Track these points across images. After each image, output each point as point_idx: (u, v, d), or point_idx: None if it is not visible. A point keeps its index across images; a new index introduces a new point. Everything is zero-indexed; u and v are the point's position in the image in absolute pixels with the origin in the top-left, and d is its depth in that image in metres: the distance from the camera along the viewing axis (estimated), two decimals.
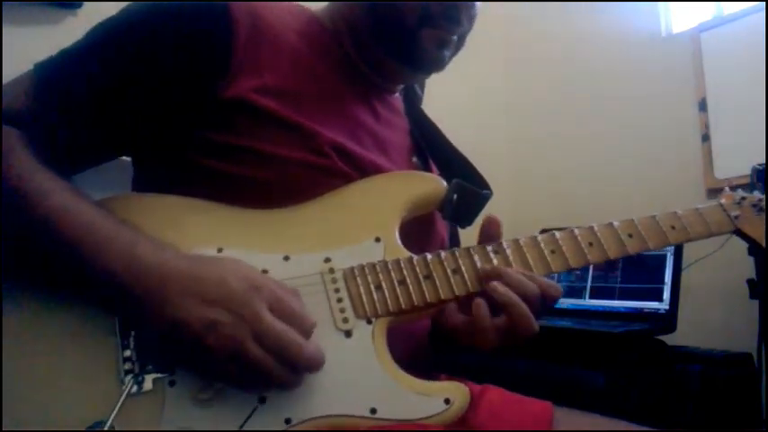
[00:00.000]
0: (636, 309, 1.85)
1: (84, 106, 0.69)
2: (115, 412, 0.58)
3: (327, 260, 0.68)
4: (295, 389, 0.60)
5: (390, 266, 0.69)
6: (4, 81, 0.70)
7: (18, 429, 0.57)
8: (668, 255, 1.82)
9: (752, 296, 1.73)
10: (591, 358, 1.65)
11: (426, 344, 0.81)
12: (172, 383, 0.60)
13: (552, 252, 0.73)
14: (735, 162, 2.10)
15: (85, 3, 1.75)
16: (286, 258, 0.68)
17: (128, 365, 0.60)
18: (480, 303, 0.68)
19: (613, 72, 2.56)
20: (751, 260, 1.73)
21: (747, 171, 1.60)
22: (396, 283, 0.68)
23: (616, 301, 1.91)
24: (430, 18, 0.77)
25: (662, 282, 1.82)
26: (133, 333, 0.61)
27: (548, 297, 0.69)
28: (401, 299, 0.67)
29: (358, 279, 0.67)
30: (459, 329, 0.71)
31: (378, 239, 0.70)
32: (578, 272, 2.03)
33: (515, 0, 2.91)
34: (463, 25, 0.81)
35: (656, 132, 2.39)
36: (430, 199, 0.76)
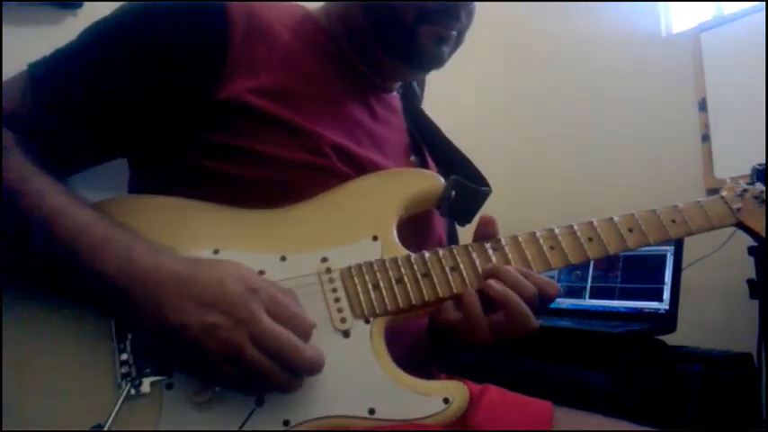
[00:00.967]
0: (636, 309, 1.85)
1: (79, 106, 0.68)
2: (113, 416, 0.57)
3: (324, 260, 0.68)
4: (294, 392, 0.59)
5: (388, 265, 0.68)
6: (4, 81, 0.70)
7: (18, 430, 0.57)
8: (668, 254, 1.82)
9: (752, 296, 1.73)
10: (591, 358, 1.64)
11: (425, 341, 0.81)
12: (169, 386, 0.60)
13: (551, 248, 0.73)
14: (735, 162, 2.10)
15: (85, 3, 1.75)
16: (283, 259, 0.67)
17: (125, 369, 0.60)
18: (472, 301, 0.68)
19: (613, 72, 2.56)
20: (751, 260, 1.73)
21: (747, 171, 1.60)
22: (393, 282, 0.68)
23: (616, 301, 1.91)
24: (427, 15, 0.76)
25: (662, 282, 1.81)
26: (130, 336, 0.61)
27: (545, 295, 0.69)
28: (399, 298, 0.67)
29: (355, 278, 0.67)
30: (456, 327, 0.71)
31: (375, 238, 0.70)
32: (578, 272, 2.03)
33: (515, 0, 2.91)
34: (462, 21, 0.80)
35: (656, 132, 2.39)
36: (427, 196, 0.76)
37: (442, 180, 0.76)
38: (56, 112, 0.68)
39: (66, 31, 0.79)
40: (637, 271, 1.90)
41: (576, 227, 0.74)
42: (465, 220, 0.82)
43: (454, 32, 0.80)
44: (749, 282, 1.73)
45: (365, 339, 0.65)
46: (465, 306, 0.68)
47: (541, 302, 0.69)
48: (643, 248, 0.77)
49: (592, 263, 1.98)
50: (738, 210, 0.81)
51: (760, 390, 1.68)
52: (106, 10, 0.72)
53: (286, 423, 0.60)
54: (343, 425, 0.62)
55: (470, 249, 0.71)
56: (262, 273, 0.65)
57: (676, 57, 2.35)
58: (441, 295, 0.69)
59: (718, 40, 2.26)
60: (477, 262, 0.70)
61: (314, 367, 0.59)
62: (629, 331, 1.67)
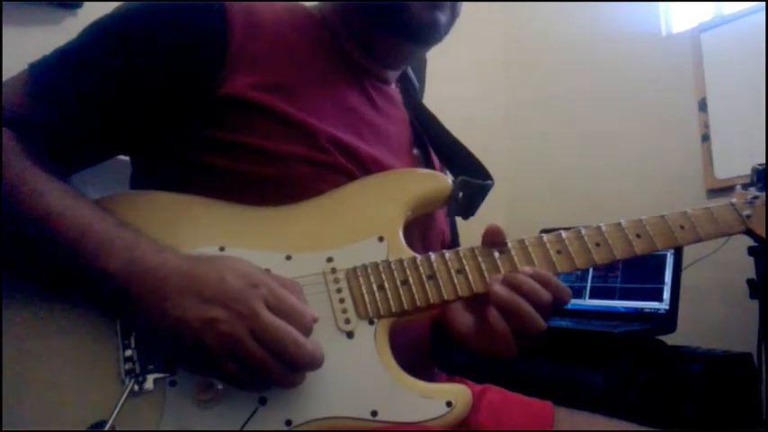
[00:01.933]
0: (636, 309, 1.85)
1: (79, 103, 0.68)
2: (116, 412, 0.57)
3: (330, 260, 0.68)
4: (295, 387, 0.59)
5: (393, 266, 0.68)
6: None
7: (18, 430, 0.57)
8: (668, 255, 1.82)
9: (752, 296, 1.73)
10: (591, 358, 1.65)
11: (426, 341, 0.81)
12: (173, 383, 0.60)
13: (558, 252, 0.72)
14: (735, 162, 2.10)
15: (85, 3, 1.75)
16: (288, 258, 0.67)
17: (128, 365, 0.60)
18: (494, 313, 0.67)
19: (613, 72, 2.56)
20: (751, 260, 1.73)
21: (747, 171, 1.59)
22: (398, 284, 0.67)
23: (616, 301, 1.91)
24: None
25: (662, 282, 1.82)
26: (134, 333, 0.61)
27: (559, 301, 0.68)
28: (404, 299, 0.67)
29: (360, 279, 0.67)
30: (471, 335, 0.71)
31: (381, 239, 0.70)
32: (578, 272, 2.03)
33: (516, 0, 2.91)
34: None
35: (656, 132, 2.39)
36: (435, 197, 0.76)
37: (450, 181, 0.76)
38: (56, 109, 0.68)
39: (66, 31, 0.79)
40: (637, 271, 1.90)
41: (583, 231, 0.74)
42: (469, 214, 0.81)
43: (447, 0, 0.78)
44: (749, 282, 1.73)
45: (369, 340, 0.65)
46: (490, 322, 0.67)
47: (555, 306, 0.68)
48: (635, 257, 0.76)
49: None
50: (748, 217, 0.80)
51: (760, 390, 1.68)
52: (106, 10, 0.72)
53: (288, 423, 0.60)
54: (346, 426, 0.61)
55: (476, 252, 0.71)
56: (267, 271, 0.64)
57: (676, 57, 2.36)
58: (445, 297, 0.68)
59: (719, 40, 2.26)
60: (483, 265, 0.70)
61: (313, 362, 0.58)
62: (629, 331, 1.67)
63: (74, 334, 0.61)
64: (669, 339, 1.73)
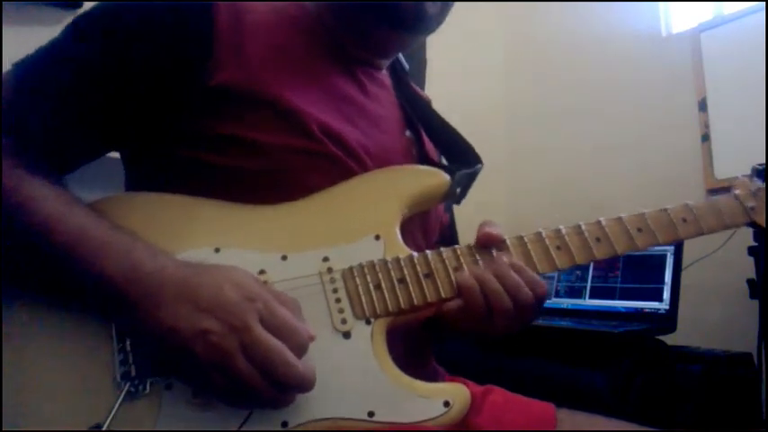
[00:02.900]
0: (636, 309, 1.85)
1: (65, 99, 0.67)
2: (112, 416, 0.57)
3: (326, 259, 0.67)
4: (284, 407, 0.58)
5: (390, 265, 0.67)
6: None
7: (18, 430, 0.56)
8: (668, 255, 1.82)
9: (752, 296, 1.73)
10: (591, 358, 1.64)
11: (426, 338, 0.80)
12: (169, 386, 0.59)
13: (558, 248, 0.71)
14: (735, 162, 2.10)
15: (85, 3, 1.75)
16: (284, 258, 0.66)
17: (124, 369, 0.59)
18: (470, 284, 0.68)
19: (613, 72, 2.56)
20: (751, 260, 1.73)
21: (747, 171, 1.60)
22: (395, 283, 0.67)
23: (616, 301, 1.91)
24: None
25: (662, 282, 1.81)
26: (130, 336, 0.60)
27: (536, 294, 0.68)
28: (401, 298, 0.66)
29: (357, 279, 0.66)
30: (454, 313, 0.70)
31: (377, 237, 0.69)
32: (578, 272, 2.03)
33: (516, 0, 2.91)
34: None
35: (656, 132, 2.39)
36: (433, 194, 0.75)
37: (448, 177, 0.75)
38: (42, 105, 0.67)
39: None
40: (637, 271, 1.89)
41: (583, 226, 0.73)
42: (460, 199, 0.80)
43: None
44: (749, 282, 1.73)
45: (366, 340, 0.64)
46: (463, 289, 0.68)
47: (538, 302, 0.68)
48: (637, 251, 0.75)
49: (592, 262, 1.97)
50: (752, 209, 0.78)
51: (760, 390, 1.68)
52: None
53: (284, 424, 0.60)
54: (342, 427, 0.61)
55: (474, 250, 0.70)
56: (262, 272, 0.65)
57: (676, 57, 2.35)
58: (443, 296, 0.68)
59: (718, 40, 2.26)
60: (481, 263, 0.69)
61: (302, 385, 0.57)
62: (629, 331, 1.67)
63: (69, 338, 0.60)
64: (669, 339, 1.73)
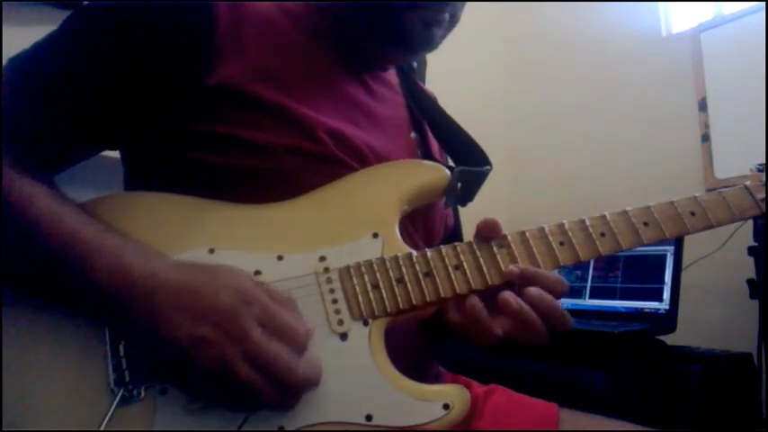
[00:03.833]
0: (636, 309, 1.84)
1: (60, 97, 0.66)
2: (106, 421, 0.56)
3: (322, 259, 0.65)
4: (292, 408, 0.57)
5: (388, 264, 0.66)
6: None
7: (18, 430, 0.56)
8: (668, 254, 1.82)
9: (752, 296, 1.73)
10: (591, 358, 1.64)
11: (423, 340, 0.80)
12: (163, 392, 0.58)
13: (561, 244, 0.69)
14: (735, 162, 2.10)
15: (85, 3, 1.75)
16: (279, 258, 0.65)
17: (118, 374, 0.58)
18: (475, 304, 0.65)
19: (613, 72, 2.55)
20: (751, 260, 1.73)
21: (747, 171, 1.60)
22: (394, 282, 0.65)
23: (616, 301, 1.91)
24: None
25: (662, 282, 1.81)
26: (123, 342, 0.59)
27: (556, 294, 0.67)
28: (399, 298, 0.65)
29: (354, 279, 0.64)
30: (457, 324, 0.69)
31: (376, 235, 0.67)
32: (578, 272, 2.03)
33: (516, 0, 2.91)
34: (454, 3, 0.76)
35: (657, 132, 2.39)
36: (432, 189, 0.73)
37: (448, 172, 0.73)
38: (37, 102, 0.66)
39: None
40: (637, 271, 1.89)
41: (587, 221, 0.70)
42: (467, 200, 0.79)
43: (446, 15, 0.76)
44: (749, 282, 1.73)
45: (363, 342, 0.63)
46: (468, 312, 0.65)
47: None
48: (643, 248, 0.74)
49: (592, 262, 1.97)
50: (763, 200, 0.76)
51: (760, 390, 1.68)
52: None
53: (281, 429, 0.58)
54: (340, 431, 0.60)
55: (475, 247, 0.68)
56: (258, 273, 0.63)
57: (676, 57, 2.35)
58: (443, 295, 0.66)
59: (718, 40, 2.26)
60: (482, 261, 0.68)
61: (309, 384, 0.57)
62: (629, 331, 1.67)
63: (62, 343, 0.59)
64: (669, 339, 1.73)
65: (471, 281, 0.67)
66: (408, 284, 0.65)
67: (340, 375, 0.61)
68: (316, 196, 0.69)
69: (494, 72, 2.98)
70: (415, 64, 0.91)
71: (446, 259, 0.67)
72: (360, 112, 0.77)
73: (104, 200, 0.67)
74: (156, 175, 0.72)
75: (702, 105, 2.26)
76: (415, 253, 0.67)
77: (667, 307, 1.78)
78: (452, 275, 0.67)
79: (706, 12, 2.41)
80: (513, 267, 0.67)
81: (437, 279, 0.66)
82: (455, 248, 0.68)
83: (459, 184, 0.74)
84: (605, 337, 1.67)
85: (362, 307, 0.64)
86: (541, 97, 2.85)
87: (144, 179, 0.75)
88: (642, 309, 1.83)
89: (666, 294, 1.79)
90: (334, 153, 0.70)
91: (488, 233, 0.69)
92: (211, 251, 0.64)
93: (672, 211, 0.72)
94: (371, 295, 0.64)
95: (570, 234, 0.70)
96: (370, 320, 0.64)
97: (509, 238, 0.69)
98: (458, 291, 0.66)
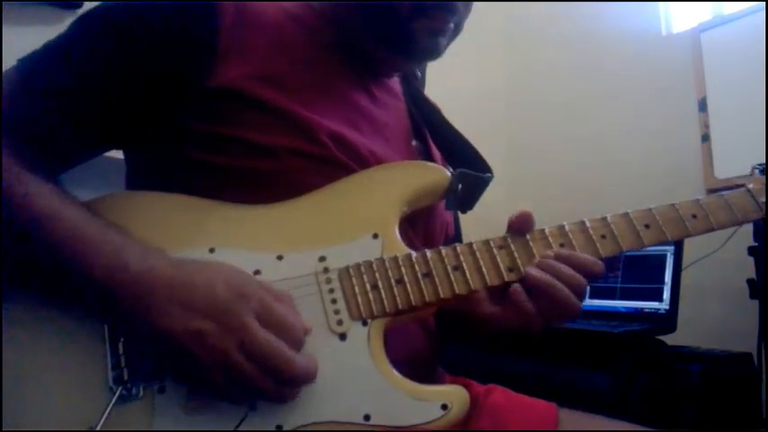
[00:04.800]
0: (636, 309, 1.85)
1: (69, 98, 0.67)
2: (104, 419, 0.56)
3: (322, 259, 0.66)
4: (290, 401, 0.58)
5: (387, 264, 0.66)
6: None
7: (18, 430, 0.56)
8: (668, 255, 1.82)
9: (752, 296, 1.73)
10: (591, 358, 1.64)
11: (427, 339, 0.80)
12: (162, 390, 0.59)
13: (561, 246, 0.70)
14: (735, 162, 2.10)
15: (85, 3, 1.75)
16: (279, 258, 0.65)
17: (117, 372, 0.59)
18: (518, 290, 0.67)
19: (613, 72, 2.55)
20: (751, 260, 1.72)
21: (747, 171, 1.60)
22: (393, 283, 0.65)
23: (616, 301, 1.91)
24: (423, 9, 0.74)
25: (662, 282, 1.81)
26: (122, 340, 0.60)
27: (589, 274, 0.68)
28: (398, 299, 0.65)
29: (353, 279, 0.65)
30: (497, 316, 0.70)
31: (375, 236, 0.67)
32: None
33: (516, 0, 2.91)
34: (459, 12, 0.77)
35: (656, 132, 2.39)
36: (433, 190, 0.73)
37: (448, 174, 0.74)
38: (44, 101, 0.67)
39: None
40: (637, 271, 1.89)
41: (588, 223, 0.71)
42: (468, 208, 0.79)
43: (451, 24, 0.77)
44: (749, 282, 1.73)
45: (362, 342, 0.63)
46: (513, 299, 0.67)
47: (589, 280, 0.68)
48: (643, 248, 0.75)
49: None
50: (764, 203, 0.75)
51: (760, 390, 1.68)
52: None
53: (279, 428, 0.59)
54: (338, 431, 0.60)
55: (474, 248, 0.69)
56: (257, 272, 0.64)
57: (676, 57, 2.35)
58: (442, 296, 0.66)
59: (718, 40, 2.26)
60: (481, 262, 0.68)
61: (306, 377, 0.57)
62: (630, 331, 1.67)
63: (61, 341, 0.60)
64: (669, 339, 1.73)
65: (470, 282, 0.67)
66: (407, 285, 0.66)
67: (339, 375, 0.61)
68: (316, 197, 0.69)
69: (493, 72, 2.98)
70: (419, 73, 0.92)
71: (445, 260, 0.67)
72: (362, 117, 0.78)
73: (106, 199, 0.67)
74: (158, 175, 0.73)
75: (702, 105, 2.26)
76: (414, 254, 0.68)
77: (667, 307, 1.78)
78: (451, 276, 0.67)
79: (706, 12, 2.41)
80: (548, 252, 0.69)
81: (436, 280, 0.67)
82: (454, 249, 0.68)
83: (459, 186, 0.74)
84: (605, 337, 1.67)
85: (362, 307, 0.64)
86: (541, 97, 2.85)
87: (146, 179, 0.75)
88: (642, 309, 1.83)
89: (666, 294, 1.79)
90: (335, 155, 0.71)
91: (521, 225, 0.70)
92: (211, 251, 0.65)
93: (673, 214, 0.72)
94: (371, 295, 0.65)
95: (571, 236, 0.70)
96: (369, 321, 0.64)
97: (509, 239, 0.70)
98: (457, 291, 0.67)
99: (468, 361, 1.34)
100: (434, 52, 0.78)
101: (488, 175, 0.79)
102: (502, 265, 0.68)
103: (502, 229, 0.73)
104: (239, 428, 0.58)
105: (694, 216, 0.73)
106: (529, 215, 0.70)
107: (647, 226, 0.71)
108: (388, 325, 0.65)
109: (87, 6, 0.71)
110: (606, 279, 1.96)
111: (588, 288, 0.68)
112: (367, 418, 0.60)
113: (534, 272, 0.67)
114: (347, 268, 0.66)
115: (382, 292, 0.65)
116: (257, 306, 0.57)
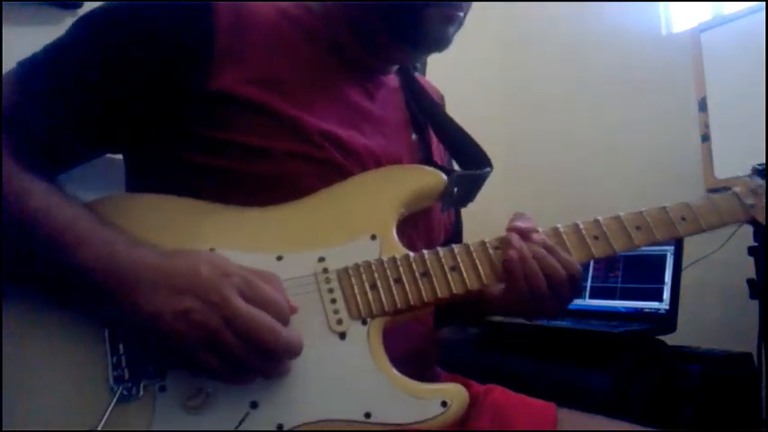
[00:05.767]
0: (636, 309, 1.84)
1: (67, 101, 0.68)
2: (105, 419, 0.57)
3: (321, 259, 0.67)
4: (279, 376, 0.59)
5: (386, 265, 0.67)
6: None
7: (18, 430, 0.56)
8: (668, 254, 1.82)
9: (752, 296, 1.73)
10: (591, 358, 1.64)
11: (427, 338, 0.80)
12: (162, 389, 0.59)
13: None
14: (735, 162, 2.10)
15: (85, 3, 1.75)
16: (279, 258, 0.66)
17: (118, 372, 0.59)
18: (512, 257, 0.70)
19: (613, 71, 2.55)
20: (751, 260, 1.72)
21: (747, 171, 1.60)
22: (391, 282, 0.67)
23: (616, 301, 1.91)
24: None
25: (662, 282, 1.81)
26: (113, 331, 0.60)
27: (566, 268, 0.70)
28: (397, 298, 0.66)
29: (352, 279, 0.66)
30: (501, 294, 0.73)
31: (374, 237, 0.69)
32: None
33: (516, 0, 2.91)
34: (468, 2, 0.78)
35: (656, 132, 2.39)
36: (429, 193, 0.74)
37: (445, 177, 0.75)
38: (46, 106, 0.67)
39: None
40: (637, 271, 1.89)
41: (581, 225, 0.73)
42: (467, 202, 0.80)
43: (462, 13, 0.77)
44: (749, 282, 1.73)
45: (362, 341, 0.64)
46: (507, 267, 0.70)
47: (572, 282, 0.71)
48: (643, 248, 0.75)
49: (592, 262, 1.98)
50: (752, 206, 0.79)
51: (760, 390, 1.68)
52: None
53: (280, 427, 0.59)
54: (338, 428, 0.61)
55: (471, 249, 0.70)
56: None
57: (676, 57, 2.35)
58: (439, 295, 0.68)
59: (718, 40, 2.26)
60: (478, 262, 0.70)
61: (290, 349, 0.58)
62: (630, 331, 1.67)
63: (62, 341, 0.60)
64: (669, 339, 1.73)
65: (468, 281, 0.69)
66: (406, 284, 0.67)
67: (339, 374, 0.62)
68: (315, 199, 0.70)
69: (492, 71, 2.98)
70: (418, 65, 0.92)
71: (443, 260, 0.69)
72: (360, 115, 0.78)
73: (105, 200, 0.68)
74: (158, 177, 0.73)
75: (702, 105, 2.26)
76: (411, 254, 0.69)
77: (667, 307, 1.77)
78: (449, 276, 0.68)
79: (706, 12, 2.41)
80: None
81: (434, 279, 0.68)
82: (452, 250, 0.70)
83: (455, 189, 0.76)
84: (605, 337, 1.67)
85: (361, 307, 0.65)
86: (541, 97, 2.85)
87: (145, 181, 0.76)
88: (642, 309, 1.83)
89: (666, 294, 1.79)
90: (333, 157, 0.71)
91: (520, 230, 0.72)
92: (211, 251, 0.65)
93: (664, 216, 0.75)
94: (370, 295, 0.66)
95: (564, 237, 0.72)
96: (368, 320, 0.65)
97: (505, 240, 0.71)
98: (454, 291, 0.68)
99: (467, 361, 1.34)
100: (443, 41, 0.78)
101: (487, 170, 0.80)
102: (498, 265, 0.70)
103: (499, 222, 0.74)
104: (240, 428, 0.58)
105: (684, 219, 0.76)
106: (530, 226, 0.72)
107: (638, 228, 0.74)
108: (387, 324, 0.66)
109: (87, 6, 0.72)
110: (606, 279, 1.96)
111: (572, 288, 0.70)
112: (368, 416, 0.61)
113: (512, 252, 0.69)
114: (346, 269, 0.67)
115: (381, 291, 0.66)
116: (240, 282, 0.58)
